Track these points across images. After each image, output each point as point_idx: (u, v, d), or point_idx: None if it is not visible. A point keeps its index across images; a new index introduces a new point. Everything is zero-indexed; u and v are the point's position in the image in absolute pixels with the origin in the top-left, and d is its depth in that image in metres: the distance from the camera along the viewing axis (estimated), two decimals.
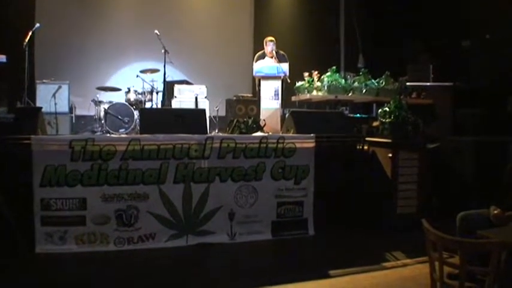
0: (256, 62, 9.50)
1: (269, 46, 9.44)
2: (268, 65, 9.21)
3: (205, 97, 10.45)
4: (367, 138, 7.34)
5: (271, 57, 9.36)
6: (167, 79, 10.25)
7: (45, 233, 5.60)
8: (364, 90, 8.73)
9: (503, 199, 4.52)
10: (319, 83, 8.59)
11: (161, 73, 10.20)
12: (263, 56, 9.53)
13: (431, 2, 11.27)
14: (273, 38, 9.53)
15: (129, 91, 10.62)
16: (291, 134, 6.92)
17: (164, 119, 6.76)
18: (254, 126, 7.35)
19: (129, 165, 5.82)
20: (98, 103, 10.38)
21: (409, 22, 11.56)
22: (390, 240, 6.21)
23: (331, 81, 8.49)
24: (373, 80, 8.84)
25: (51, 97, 9.52)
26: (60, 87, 9.85)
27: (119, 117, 9.95)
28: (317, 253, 6.06)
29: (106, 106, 10.06)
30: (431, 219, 3.64)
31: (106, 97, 10.69)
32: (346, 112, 9.71)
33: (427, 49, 11.22)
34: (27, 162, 5.53)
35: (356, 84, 8.77)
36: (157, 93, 10.69)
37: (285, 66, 9.15)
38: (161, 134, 6.05)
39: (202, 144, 6.09)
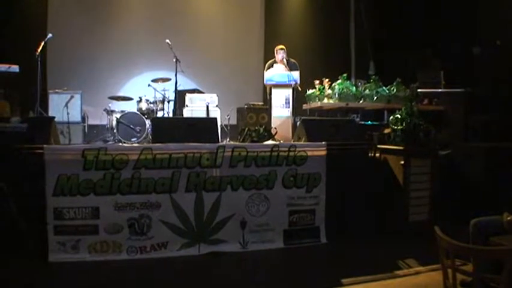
0: (267, 70, 9.52)
1: (279, 54, 9.46)
2: (279, 73, 9.23)
3: (217, 106, 10.47)
4: (379, 146, 7.34)
5: (282, 65, 9.36)
6: (178, 88, 10.28)
7: (58, 242, 5.63)
8: (375, 98, 8.72)
9: None
10: (330, 91, 8.60)
11: (172, 82, 10.24)
12: (274, 65, 9.54)
13: (442, 8, 11.24)
14: (283, 46, 9.55)
15: (140, 100, 10.65)
16: (302, 142, 6.93)
17: (176, 128, 6.78)
18: (265, 134, 7.35)
19: (141, 174, 5.84)
20: (110, 112, 10.43)
21: (420, 28, 11.54)
22: (403, 248, 6.18)
23: (342, 89, 8.50)
24: (384, 87, 8.83)
25: (64, 107, 9.56)
26: (72, 96, 9.90)
27: (131, 126, 9.98)
28: (329, 261, 6.06)
29: (118, 115, 10.09)
30: (443, 226, 3.63)
31: (118, 106, 10.73)
32: (357, 119, 9.68)
33: (438, 55, 11.20)
34: (40, 171, 5.57)
35: (367, 91, 8.76)
36: (168, 102, 10.72)
37: (295, 74, 9.17)
38: (173, 143, 6.08)
39: (213, 153, 6.11)
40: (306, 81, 9.29)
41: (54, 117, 7.52)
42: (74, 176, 5.64)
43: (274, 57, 9.65)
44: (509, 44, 9.83)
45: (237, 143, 7.05)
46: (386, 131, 7.62)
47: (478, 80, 10.02)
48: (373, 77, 9.21)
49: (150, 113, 10.48)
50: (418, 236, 6.20)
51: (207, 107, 10.20)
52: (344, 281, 5.14)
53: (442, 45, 11.22)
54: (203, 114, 10.05)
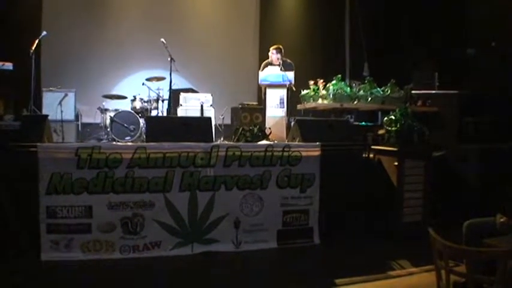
0: (262, 70, 9.51)
1: (274, 55, 9.46)
2: (274, 73, 9.22)
3: (211, 105, 10.46)
4: (373, 147, 7.34)
5: (278, 65, 9.36)
6: (173, 87, 10.27)
7: (50, 241, 5.60)
8: (369, 98, 8.70)
9: (510, 207, 4.50)
10: (324, 91, 8.58)
11: (167, 81, 10.22)
12: (269, 65, 9.54)
13: (436, 9, 11.26)
14: (278, 46, 9.54)
15: (135, 99, 10.64)
16: (296, 143, 6.92)
17: (170, 127, 6.77)
18: (260, 134, 7.35)
19: (135, 173, 5.82)
20: (103, 111, 10.41)
21: (414, 30, 11.57)
22: (396, 249, 6.20)
23: (337, 90, 8.48)
24: (378, 88, 8.81)
25: (58, 105, 9.56)
26: (66, 95, 9.90)
27: (125, 125, 9.96)
28: (322, 262, 6.05)
29: (112, 114, 10.08)
30: (437, 228, 3.63)
31: (112, 105, 10.73)
32: (352, 120, 9.68)
33: (432, 57, 11.22)
34: (33, 169, 5.54)
35: (361, 92, 8.74)
36: (163, 101, 10.71)
37: (290, 75, 9.16)
38: (167, 142, 6.06)
39: (208, 152, 6.09)
40: (301, 82, 9.27)
41: (47, 116, 7.49)
42: (67, 174, 5.62)
43: (268, 57, 9.65)
44: (504, 45, 9.85)
45: (231, 143, 7.05)
46: (381, 132, 7.63)
47: (472, 81, 10.03)
48: (368, 78, 9.20)
49: (144, 112, 10.47)
50: (411, 237, 6.21)
51: (202, 106, 10.19)
52: (337, 281, 5.15)
53: (436, 46, 11.23)
54: (197, 114, 10.03)
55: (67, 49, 11.79)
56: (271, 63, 9.56)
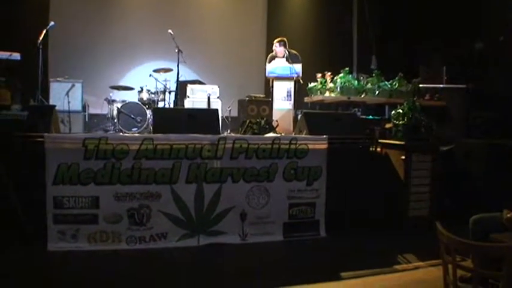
0: (269, 62, 9.47)
1: (277, 47, 9.40)
2: (281, 65, 9.19)
3: (218, 97, 10.46)
4: (380, 140, 7.32)
5: (282, 57, 9.30)
6: (180, 79, 10.26)
7: (57, 231, 5.62)
8: (377, 92, 8.70)
9: None
10: (332, 84, 8.57)
11: (174, 73, 10.22)
12: (274, 57, 9.49)
13: (445, 3, 11.20)
14: (281, 39, 9.47)
15: (142, 90, 10.65)
16: (303, 135, 6.91)
17: (177, 118, 6.77)
18: (266, 126, 7.35)
19: (142, 165, 5.82)
20: (111, 102, 10.42)
21: (423, 23, 11.51)
22: (402, 243, 6.18)
23: (344, 83, 8.48)
24: (386, 82, 8.80)
25: (65, 95, 9.57)
26: (73, 85, 9.90)
27: (132, 116, 9.98)
28: (328, 255, 6.02)
29: (119, 105, 10.09)
30: (443, 222, 3.62)
31: (119, 96, 10.73)
32: (359, 114, 9.65)
33: (440, 51, 11.17)
34: (40, 160, 5.55)
35: (369, 85, 8.73)
36: (170, 92, 10.71)
37: (298, 67, 9.12)
38: (174, 133, 6.06)
39: (214, 144, 6.09)
40: (308, 74, 9.25)
41: (55, 106, 7.51)
42: (74, 165, 5.63)
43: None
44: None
45: (238, 135, 7.04)
46: (388, 125, 7.62)
47: (480, 76, 9.98)
48: (375, 71, 9.17)
49: (151, 103, 10.48)
50: (418, 231, 6.21)
51: (208, 98, 10.19)
52: (343, 274, 5.14)
53: (444, 40, 11.18)
54: (204, 106, 10.04)
55: (74, 39, 11.80)
56: (276, 56, 9.50)
